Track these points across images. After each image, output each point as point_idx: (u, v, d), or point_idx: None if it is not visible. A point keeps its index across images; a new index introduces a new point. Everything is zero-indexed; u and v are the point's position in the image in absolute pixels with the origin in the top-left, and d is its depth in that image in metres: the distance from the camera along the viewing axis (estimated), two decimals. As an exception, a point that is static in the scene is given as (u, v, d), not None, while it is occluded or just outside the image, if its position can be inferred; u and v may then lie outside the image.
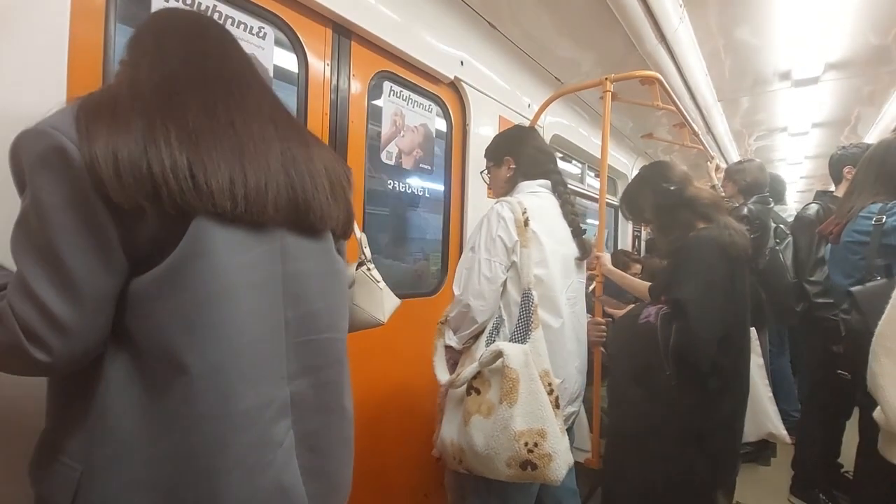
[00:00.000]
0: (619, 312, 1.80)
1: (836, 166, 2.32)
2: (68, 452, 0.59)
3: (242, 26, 1.29)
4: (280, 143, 0.69)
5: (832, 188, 2.45)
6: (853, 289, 1.51)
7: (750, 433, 1.70)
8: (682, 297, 1.28)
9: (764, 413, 1.72)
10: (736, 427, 1.45)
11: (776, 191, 3.01)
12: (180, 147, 0.58)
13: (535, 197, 1.42)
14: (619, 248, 4.29)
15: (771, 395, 1.74)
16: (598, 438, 1.85)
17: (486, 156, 1.58)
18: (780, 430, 1.73)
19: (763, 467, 2.62)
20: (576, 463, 1.87)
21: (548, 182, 1.47)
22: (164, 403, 0.58)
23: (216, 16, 1.22)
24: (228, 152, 0.62)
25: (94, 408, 0.58)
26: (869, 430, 1.74)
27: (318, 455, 0.72)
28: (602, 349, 1.94)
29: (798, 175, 6.56)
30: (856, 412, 1.96)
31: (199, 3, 1.20)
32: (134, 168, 0.54)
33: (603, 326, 1.78)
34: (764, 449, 2.64)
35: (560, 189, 1.49)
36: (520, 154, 1.48)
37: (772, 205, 2.67)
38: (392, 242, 2.12)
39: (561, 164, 3.63)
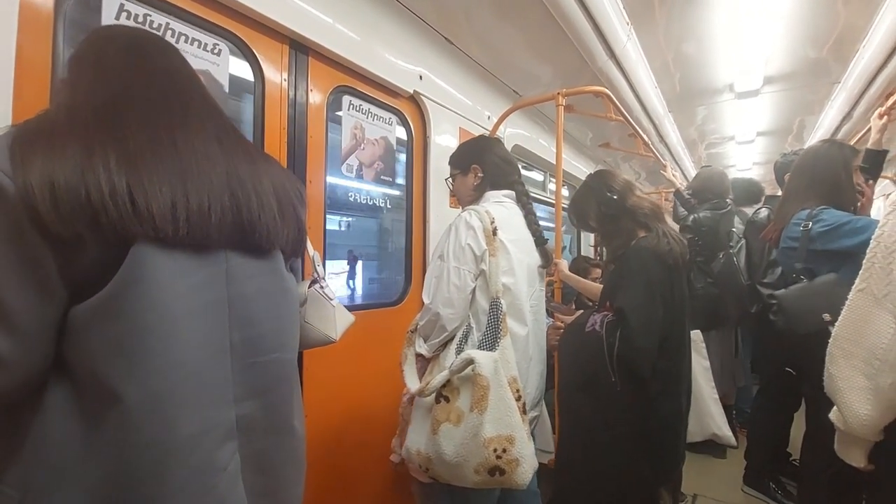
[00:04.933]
0: (570, 319, 1.86)
1: (778, 174, 2.45)
2: (7, 480, 0.57)
3: (196, 43, 1.30)
4: (225, 162, 0.68)
5: (780, 193, 2.59)
6: (776, 292, 1.58)
7: (695, 433, 1.74)
8: (623, 306, 1.33)
9: (708, 414, 1.76)
10: (678, 427, 1.50)
11: (752, 193, 3.16)
12: (119, 171, 0.57)
13: (502, 207, 1.44)
14: (581, 253, 4.43)
15: (716, 396, 1.79)
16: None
17: (451, 163, 1.59)
18: (724, 430, 1.78)
19: (718, 459, 2.74)
20: (539, 464, 1.92)
21: (513, 193, 1.50)
22: (100, 432, 0.57)
23: (168, 34, 1.23)
24: (170, 174, 0.61)
25: (32, 436, 0.57)
26: (814, 420, 1.83)
27: (266, 476, 0.72)
28: (562, 353, 2.00)
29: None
30: (803, 405, 2.07)
31: (152, 21, 1.21)
32: (71, 195, 0.54)
33: (562, 331, 1.84)
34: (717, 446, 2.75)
35: (524, 199, 1.52)
36: (486, 163, 1.49)
37: (726, 210, 2.81)
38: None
39: (524, 173, 3.76)
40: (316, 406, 1.60)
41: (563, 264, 1.97)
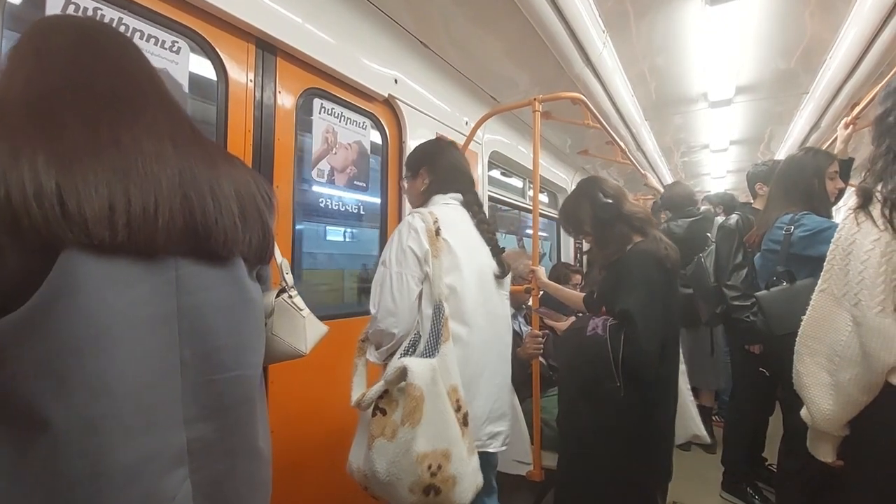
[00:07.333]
0: (559, 324, 1.84)
1: (750, 183, 2.56)
2: None
3: (153, 40, 1.23)
4: (178, 163, 0.63)
5: (752, 201, 2.68)
6: (757, 294, 1.62)
7: (678, 436, 1.78)
8: (628, 308, 1.32)
9: (689, 416, 1.79)
10: (669, 433, 1.51)
11: (730, 206, 3.26)
12: (48, 170, 0.51)
13: (448, 208, 1.39)
14: (562, 260, 4.44)
15: (692, 398, 1.84)
16: (540, 450, 1.86)
17: (405, 165, 1.54)
18: (701, 430, 1.82)
19: (697, 465, 2.75)
20: (518, 476, 1.88)
21: (459, 195, 1.44)
22: (27, 463, 0.51)
23: (121, 29, 1.16)
24: (110, 174, 0.56)
25: None
26: (790, 425, 1.84)
27: (223, 502, 0.67)
28: (542, 360, 1.97)
29: (723, 188, 7.11)
30: (778, 408, 2.09)
31: (103, 16, 1.14)
32: None
33: (540, 339, 1.81)
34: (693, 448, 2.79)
35: (474, 209, 1.46)
36: (435, 168, 1.44)
37: (696, 218, 2.89)
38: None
39: (504, 179, 3.75)
40: (282, 423, 1.52)
41: (541, 271, 1.95)
